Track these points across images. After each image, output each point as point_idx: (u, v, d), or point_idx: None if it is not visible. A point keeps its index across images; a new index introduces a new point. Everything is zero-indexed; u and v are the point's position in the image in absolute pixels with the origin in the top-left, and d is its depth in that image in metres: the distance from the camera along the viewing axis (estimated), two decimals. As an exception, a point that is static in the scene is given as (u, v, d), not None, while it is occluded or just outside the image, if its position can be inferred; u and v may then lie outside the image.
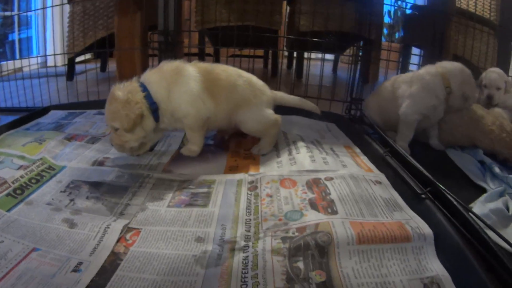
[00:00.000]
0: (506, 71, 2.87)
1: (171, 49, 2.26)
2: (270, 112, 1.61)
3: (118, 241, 1.01)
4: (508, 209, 1.30)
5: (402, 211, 1.11)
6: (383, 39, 4.17)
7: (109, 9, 3.32)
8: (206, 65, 1.58)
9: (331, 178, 1.27)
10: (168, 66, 1.52)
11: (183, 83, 1.47)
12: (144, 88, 1.44)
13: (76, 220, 1.10)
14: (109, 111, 1.42)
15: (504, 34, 3.03)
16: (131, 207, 1.18)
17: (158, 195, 1.25)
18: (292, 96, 1.77)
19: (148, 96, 1.43)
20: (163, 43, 2.26)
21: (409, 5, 3.81)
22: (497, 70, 2.13)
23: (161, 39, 2.27)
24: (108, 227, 1.06)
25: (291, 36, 3.62)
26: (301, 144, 1.61)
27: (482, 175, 1.63)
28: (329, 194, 1.17)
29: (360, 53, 2.35)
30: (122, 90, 1.41)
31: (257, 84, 1.63)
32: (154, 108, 1.45)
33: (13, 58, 4.36)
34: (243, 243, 0.99)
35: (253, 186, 1.28)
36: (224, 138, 1.79)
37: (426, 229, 1.00)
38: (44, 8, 4.22)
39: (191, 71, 1.50)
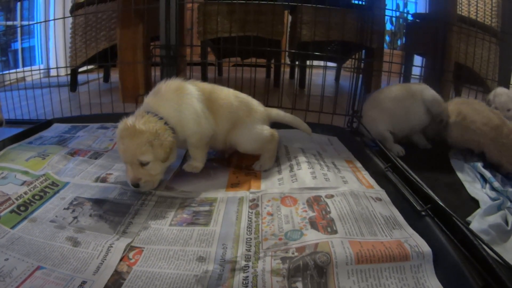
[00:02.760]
0: (508, 77, 2.90)
1: (173, 63, 2.27)
2: (264, 128, 1.61)
3: (121, 260, 1.03)
4: (507, 223, 1.31)
5: (402, 229, 1.12)
6: (385, 46, 4.19)
7: (111, 21, 3.34)
8: (205, 85, 1.59)
9: (332, 196, 1.28)
10: (168, 87, 1.50)
11: (187, 102, 1.47)
12: (159, 117, 1.40)
13: (80, 239, 1.10)
14: (134, 146, 1.33)
15: (505, 40, 3.03)
16: (134, 225, 1.19)
17: (160, 213, 1.26)
18: (287, 114, 1.78)
19: (167, 123, 1.41)
20: (165, 57, 2.27)
21: (410, 13, 3.82)
22: (505, 91, 2.16)
23: (163, 53, 2.28)
24: (112, 246, 1.07)
25: (292, 50, 3.65)
26: (302, 159, 1.62)
27: (482, 187, 1.63)
28: (329, 212, 1.18)
29: (362, 65, 2.35)
30: (142, 123, 1.35)
31: (251, 103, 1.65)
32: (173, 134, 1.42)
33: (16, 67, 4.38)
34: (243, 263, 1.00)
35: (254, 204, 1.29)
36: (224, 156, 1.80)
37: (425, 247, 1.01)
38: (46, 21, 4.24)
39: (193, 90, 1.51)
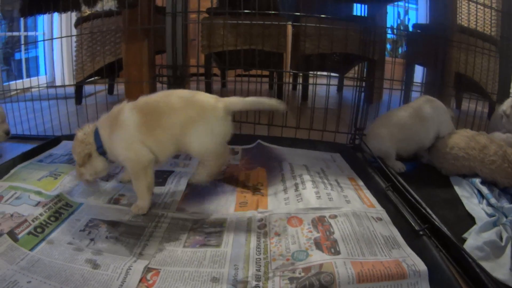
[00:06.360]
0: (508, 86, 2.92)
1: (180, 82, 2.31)
2: (220, 141, 1.58)
3: (140, 281, 1.08)
4: (501, 239, 1.36)
5: (400, 249, 1.19)
6: (386, 54, 4.22)
7: (116, 35, 3.38)
8: (147, 98, 1.55)
9: (335, 216, 1.34)
10: (114, 110, 1.54)
11: (118, 129, 1.48)
12: (96, 132, 1.54)
13: (99, 261, 1.15)
14: (72, 145, 1.57)
15: (505, 48, 3.04)
16: (149, 247, 1.25)
17: (174, 235, 1.31)
18: (246, 99, 1.61)
19: (97, 140, 1.53)
20: (171, 77, 2.32)
21: (409, 30, 3.84)
22: None
23: (170, 73, 2.33)
24: (130, 268, 1.12)
25: (295, 71, 3.70)
26: (307, 177, 1.67)
27: (479, 202, 1.67)
28: (333, 233, 1.24)
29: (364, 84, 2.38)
30: (81, 131, 1.55)
31: (202, 100, 1.56)
32: (101, 151, 1.54)
33: (21, 77, 4.39)
34: (254, 283, 1.06)
35: (262, 224, 1.35)
36: (233, 174, 1.82)
37: (421, 266, 1.08)
38: (51, 39, 4.27)
39: (127, 115, 1.49)
